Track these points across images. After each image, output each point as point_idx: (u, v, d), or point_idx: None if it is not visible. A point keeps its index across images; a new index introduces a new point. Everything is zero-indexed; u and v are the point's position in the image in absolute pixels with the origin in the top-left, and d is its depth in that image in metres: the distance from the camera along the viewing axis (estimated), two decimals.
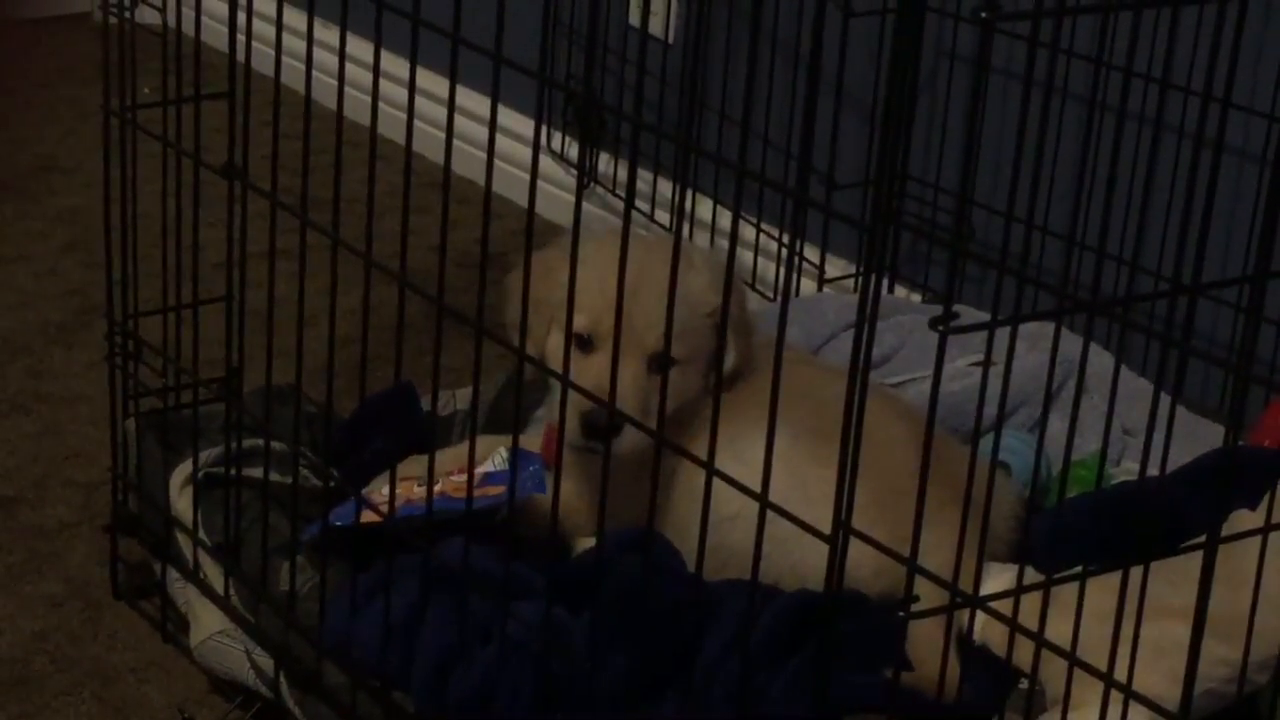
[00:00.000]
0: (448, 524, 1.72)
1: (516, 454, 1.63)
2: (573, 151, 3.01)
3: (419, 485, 1.83)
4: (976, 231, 2.54)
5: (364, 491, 1.84)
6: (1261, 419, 2.17)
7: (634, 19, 2.89)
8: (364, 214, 1.62)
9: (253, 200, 1.78)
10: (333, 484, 1.86)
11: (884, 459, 1.70)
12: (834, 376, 1.73)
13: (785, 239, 2.64)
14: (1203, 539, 1.33)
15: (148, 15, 1.92)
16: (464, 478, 1.80)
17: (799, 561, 1.74)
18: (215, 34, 2.18)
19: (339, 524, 1.81)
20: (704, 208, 2.82)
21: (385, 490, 1.82)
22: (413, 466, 1.89)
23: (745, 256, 2.75)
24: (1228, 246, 2.30)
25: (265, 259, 1.76)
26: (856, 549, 1.37)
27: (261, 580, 1.85)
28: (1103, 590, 1.46)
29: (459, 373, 2.06)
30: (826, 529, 1.37)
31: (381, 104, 1.64)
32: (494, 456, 1.92)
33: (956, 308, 1.28)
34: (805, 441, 1.75)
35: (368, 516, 1.79)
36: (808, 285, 2.67)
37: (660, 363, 1.74)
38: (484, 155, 1.54)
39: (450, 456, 1.91)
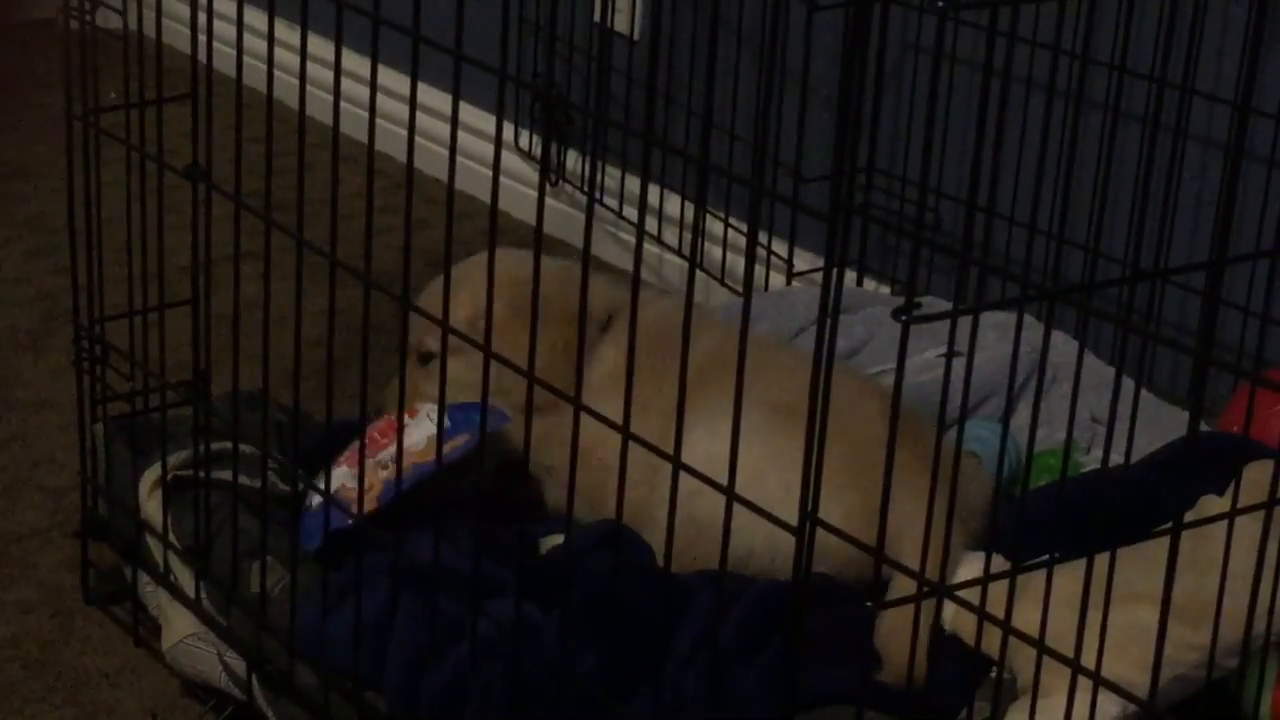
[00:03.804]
0: (427, 488, 1.75)
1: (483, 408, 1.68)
2: (539, 149, 3.01)
3: (382, 469, 1.82)
4: (944, 222, 2.54)
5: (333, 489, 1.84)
6: (1229, 405, 2.18)
7: (598, 15, 2.89)
8: (330, 215, 1.62)
9: (218, 203, 1.77)
10: (301, 487, 1.86)
11: (855, 429, 1.71)
12: (808, 355, 1.74)
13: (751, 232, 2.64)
14: (1169, 524, 1.34)
15: (111, 19, 1.92)
16: (421, 448, 1.81)
17: (770, 532, 1.73)
18: (177, 36, 2.17)
19: (344, 526, 1.80)
20: (674, 204, 2.82)
21: (350, 485, 1.81)
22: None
23: (714, 251, 2.75)
24: (1194, 233, 2.31)
25: (231, 262, 1.76)
26: (822, 513, 1.37)
27: (232, 582, 1.85)
28: (1072, 578, 1.46)
29: None
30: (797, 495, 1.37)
31: (345, 103, 1.63)
32: (422, 420, 1.91)
33: (924, 299, 1.29)
34: (778, 416, 1.76)
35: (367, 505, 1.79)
36: (777, 279, 2.68)
37: (423, 359, 2.05)
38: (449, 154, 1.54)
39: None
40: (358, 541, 1.76)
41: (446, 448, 1.78)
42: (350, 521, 1.79)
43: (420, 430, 1.88)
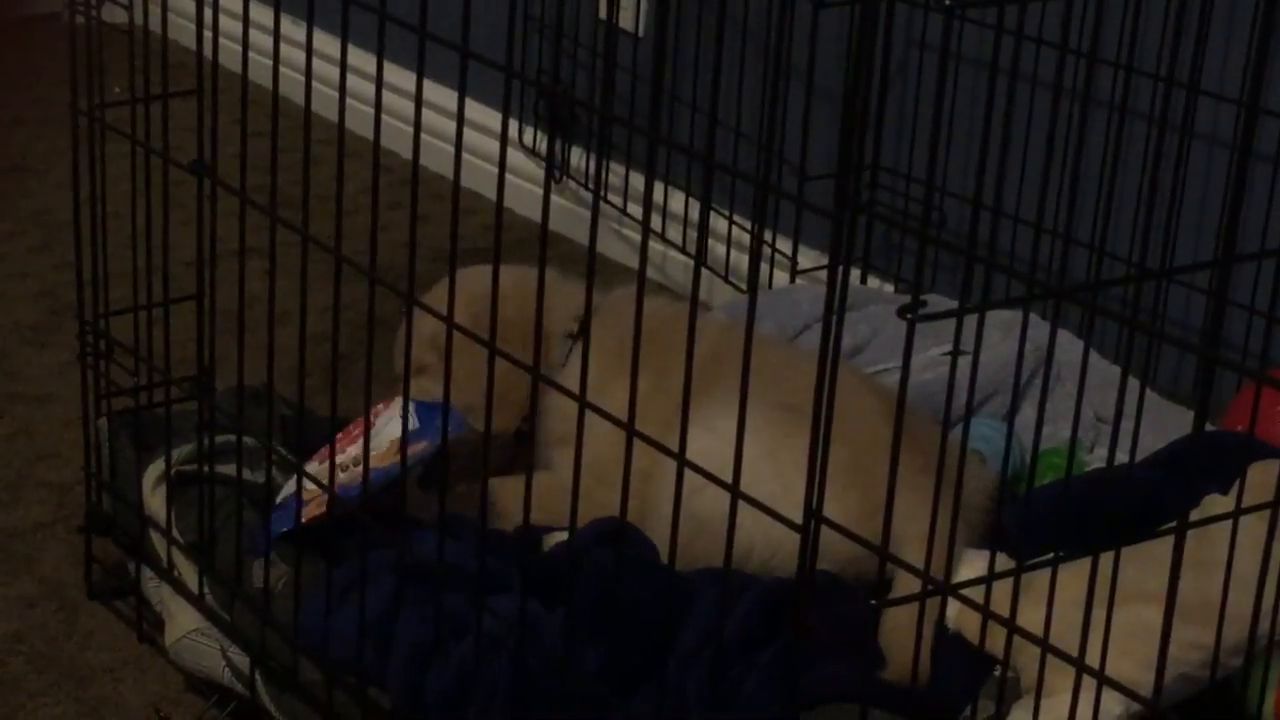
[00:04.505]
0: (386, 491, 1.76)
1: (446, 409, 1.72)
2: (544, 146, 3.01)
3: (342, 471, 1.82)
4: (949, 221, 2.54)
5: (289, 491, 1.85)
6: (1233, 404, 2.18)
7: (603, 12, 2.89)
8: (335, 211, 1.62)
9: (223, 198, 1.77)
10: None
11: (857, 426, 1.71)
12: (808, 354, 1.75)
13: (756, 229, 2.64)
14: (1174, 524, 1.34)
15: (116, 14, 1.92)
16: (384, 449, 1.80)
17: (769, 529, 1.74)
18: (183, 31, 2.17)
19: (284, 530, 1.81)
20: (679, 201, 2.82)
21: (310, 485, 1.81)
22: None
23: (718, 249, 2.75)
24: (1199, 232, 2.31)
25: (235, 257, 1.76)
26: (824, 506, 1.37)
27: (236, 578, 1.85)
28: (1076, 576, 1.46)
29: None
30: (798, 493, 1.37)
31: (350, 100, 1.63)
32: (394, 417, 1.90)
33: (928, 297, 1.29)
34: (775, 414, 1.75)
35: (310, 512, 1.79)
36: (781, 277, 2.68)
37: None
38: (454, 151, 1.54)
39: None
40: (361, 534, 1.76)
41: (409, 451, 1.79)
42: (287, 528, 1.80)
43: (387, 430, 1.87)
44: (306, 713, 1.78)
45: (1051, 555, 1.48)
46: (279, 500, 1.86)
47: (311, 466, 1.85)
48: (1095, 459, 2.16)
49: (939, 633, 1.70)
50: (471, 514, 1.83)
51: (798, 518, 1.38)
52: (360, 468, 1.78)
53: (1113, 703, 1.54)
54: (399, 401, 1.89)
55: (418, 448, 1.84)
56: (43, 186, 3.14)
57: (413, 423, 1.88)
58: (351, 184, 1.63)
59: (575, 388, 1.49)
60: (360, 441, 1.84)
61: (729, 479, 1.41)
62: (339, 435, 1.89)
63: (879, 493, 1.36)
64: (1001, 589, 1.47)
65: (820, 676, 1.64)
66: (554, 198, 2.97)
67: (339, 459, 1.84)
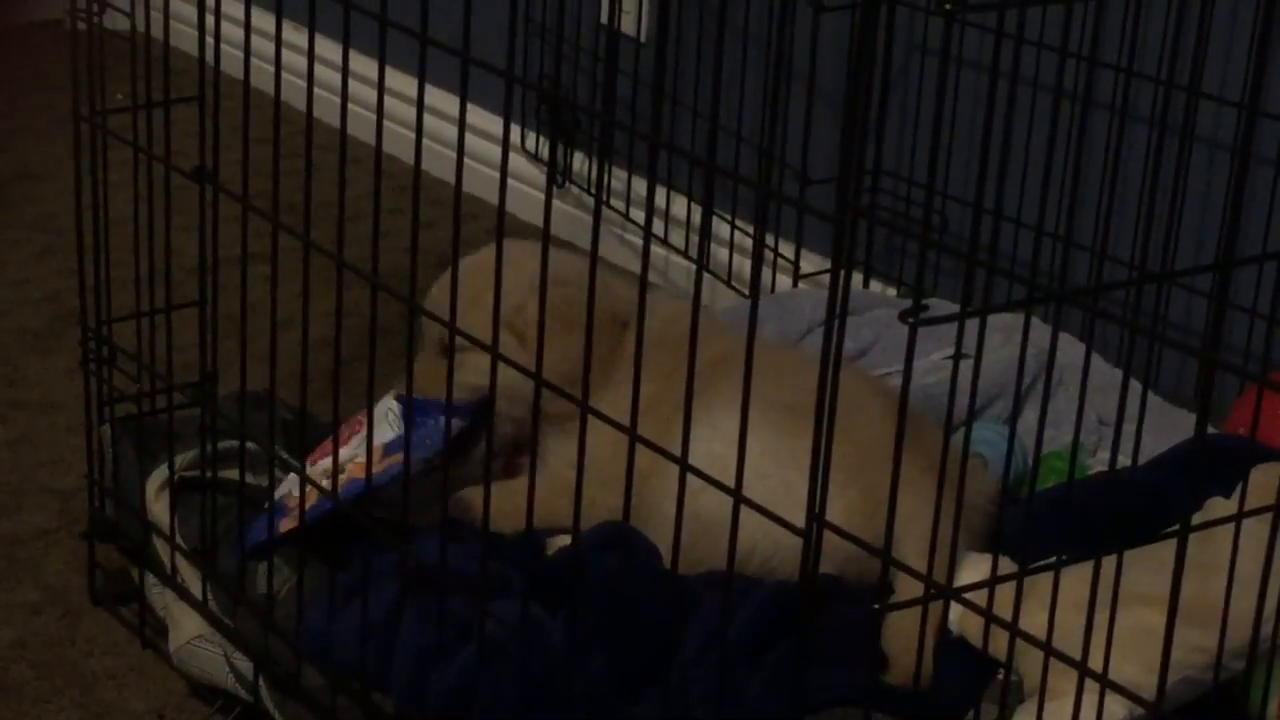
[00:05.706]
0: (358, 506, 1.75)
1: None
2: (546, 151, 3.01)
3: (326, 479, 1.82)
4: (951, 225, 2.54)
5: (276, 496, 1.85)
6: (1235, 406, 2.18)
7: (605, 17, 2.89)
8: (337, 217, 1.62)
9: (225, 204, 1.77)
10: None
11: (854, 426, 1.71)
12: (811, 356, 1.75)
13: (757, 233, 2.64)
14: (1176, 527, 1.34)
15: (118, 20, 1.92)
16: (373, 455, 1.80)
17: (771, 529, 1.73)
18: (184, 38, 2.17)
19: (259, 541, 1.81)
20: (681, 206, 2.82)
21: (294, 491, 1.81)
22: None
23: (720, 253, 2.75)
24: (1200, 235, 2.31)
25: (238, 263, 1.76)
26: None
27: (239, 583, 1.85)
28: (1079, 579, 1.46)
29: None
30: (799, 492, 1.37)
31: (352, 105, 1.64)
32: (387, 417, 1.88)
33: (930, 301, 1.29)
34: (778, 414, 1.76)
35: (285, 525, 1.79)
36: (783, 281, 2.68)
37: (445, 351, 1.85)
38: (456, 156, 1.54)
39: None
40: (364, 538, 1.77)
41: (381, 466, 1.78)
42: (265, 537, 1.81)
43: (378, 434, 1.85)
44: (310, 718, 1.78)
45: (1054, 559, 1.48)
46: (275, 500, 1.86)
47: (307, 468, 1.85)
48: (1097, 462, 2.16)
49: (942, 636, 1.70)
50: (472, 518, 1.84)
51: (799, 516, 1.38)
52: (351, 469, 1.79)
53: (1116, 706, 1.54)
54: (387, 404, 1.88)
55: (395, 460, 1.82)
56: (45, 193, 3.14)
57: (400, 428, 1.85)
58: (353, 189, 1.63)
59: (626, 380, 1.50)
60: (351, 444, 1.84)
61: (732, 478, 1.41)
62: (331, 439, 1.88)
63: (879, 491, 1.36)
64: (1004, 592, 1.47)
65: (823, 680, 1.64)
66: (556, 203, 2.97)
67: (326, 464, 1.83)
